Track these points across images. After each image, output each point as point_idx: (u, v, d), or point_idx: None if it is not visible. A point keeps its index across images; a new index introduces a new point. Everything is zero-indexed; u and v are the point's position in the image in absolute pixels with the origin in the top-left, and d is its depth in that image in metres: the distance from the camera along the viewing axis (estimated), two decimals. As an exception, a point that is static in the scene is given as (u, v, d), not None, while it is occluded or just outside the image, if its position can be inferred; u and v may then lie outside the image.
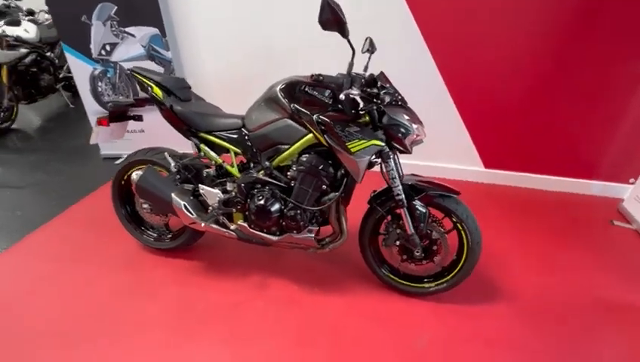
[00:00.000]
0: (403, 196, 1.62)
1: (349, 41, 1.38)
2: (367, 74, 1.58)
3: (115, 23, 2.81)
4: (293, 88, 1.59)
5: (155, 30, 2.82)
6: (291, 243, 1.79)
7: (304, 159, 1.61)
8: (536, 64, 2.48)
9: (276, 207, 1.70)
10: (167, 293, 1.92)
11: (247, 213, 1.78)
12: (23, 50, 4.00)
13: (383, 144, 1.53)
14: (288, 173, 1.68)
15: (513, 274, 2.01)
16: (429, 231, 1.71)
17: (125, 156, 2.05)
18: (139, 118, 2.10)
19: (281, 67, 2.70)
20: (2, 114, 4.01)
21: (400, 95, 1.56)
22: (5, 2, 4.74)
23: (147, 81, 1.80)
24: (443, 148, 2.90)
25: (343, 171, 1.65)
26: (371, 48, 1.68)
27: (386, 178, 1.64)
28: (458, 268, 1.74)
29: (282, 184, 1.70)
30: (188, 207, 1.80)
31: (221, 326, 1.73)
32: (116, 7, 2.77)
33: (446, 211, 1.68)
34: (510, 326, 1.72)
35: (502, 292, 1.90)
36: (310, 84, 1.52)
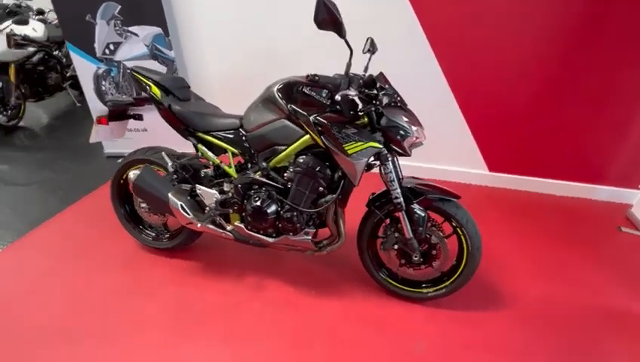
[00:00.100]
0: (401, 199, 1.59)
1: (346, 42, 1.36)
2: (367, 75, 1.55)
3: (118, 22, 2.83)
4: (290, 89, 1.57)
5: (158, 29, 2.82)
6: (288, 245, 1.77)
7: (301, 160, 1.59)
8: (542, 68, 2.43)
9: (272, 208, 1.68)
10: (165, 293, 1.91)
11: (243, 214, 1.76)
12: (31, 49, 4.04)
13: (381, 146, 1.50)
14: (285, 175, 1.67)
15: (515, 280, 1.97)
16: (427, 236, 1.67)
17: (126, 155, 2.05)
18: (139, 117, 2.10)
19: (284, 68, 2.66)
20: (10, 112, 4.06)
21: (399, 96, 1.53)
22: (16, 2, 4.80)
23: (146, 81, 1.80)
24: (447, 151, 2.87)
25: (340, 173, 1.63)
26: (372, 49, 1.65)
27: (384, 180, 1.61)
28: (457, 273, 1.70)
29: (279, 185, 1.68)
30: (185, 207, 1.79)
31: (218, 326, 1.72)
32: (120, 7, 2.78)
33: (445, 215, 1.64)
34: (510, 333, 1.68)
35: (503, 298, 1.86)
36: (306, 84, 1.50)
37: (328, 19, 1.23)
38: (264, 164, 1.69)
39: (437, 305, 1.81)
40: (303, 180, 1.60)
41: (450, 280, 1.73)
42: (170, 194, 1.79)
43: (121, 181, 2.05)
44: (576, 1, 2.22)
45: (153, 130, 3.13)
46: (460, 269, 1.69)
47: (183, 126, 1.80)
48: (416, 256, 1.68)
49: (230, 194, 1.79)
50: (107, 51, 2.94)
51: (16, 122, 4.16)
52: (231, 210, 1.80)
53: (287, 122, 1.60)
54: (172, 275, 2.03)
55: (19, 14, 4.43)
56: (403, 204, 1.60)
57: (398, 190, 1.58)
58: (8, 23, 3.88)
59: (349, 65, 1.43)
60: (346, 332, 1.69)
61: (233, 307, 1.82)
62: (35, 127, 4.37)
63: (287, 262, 2.11)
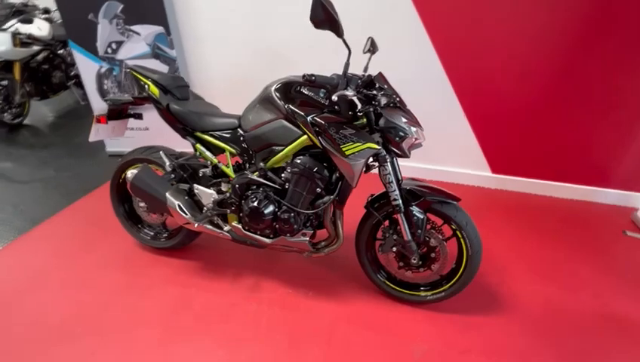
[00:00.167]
0: (400, 201, 1.57)
1: (344, 41, 1.34)
2: (365, 75, 1.53)
3: (120, 21, 2.83)
4: (288, 88, 1.56)
5: (160, 28, 2.82)
6: (285, 246, 1.75)
7: (298, 161, 1.58)
8: (547, 69, 2.39)
9: (270, 209, 1.67)
10: (162, 292, 1.90)
11: (241, 214, 1.75)
12: (36, 48, 4.07)
13: (379, 147, 1.47)
14: (283, 175, 1.65)
15: (517, 284, 1.94)
16: (426, 238, 1.65)
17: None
18: (138, 116, 2.09)
19: (286, 67, 2.66)
20: (15, 110, 4.09)
21: (398, 97, 1.51)
22: (23, 1, 4.84)
23: (144, 79, 1.79)
24: (449, 152, 2.84)
25: (337, 174, 1.61)
26: (372, 48, 1.64)
27: (383, 182, 1.59)
28: (457, 276, 1.68)
29: (277, 186, 1.67)
30: (182, 206, 1.78)
31: (214, 327, 1.71)
32: (122, 6, 2.78)
33: (445, 218, 1.62)
34: (510, 337, 1.65)
35: (504, 303, 1.83)
36: (303, 84, 1.48)
37: (325, 18, 1.20)
38: (261, 164, 1.68)
39: (436, 308, 1.78)
40: (301, 181, 1.58)
41: (450, 283, 1.70)
42: (167, 194, 1.78)
43: (120, 180, 2.04)
44: (581, 1, 2.18)
45: (154, 129, 3.13)
46: (460, 272, 1.67)
47: (181, 125, 1.79)
48: (414, 259, 1.66)
49: (228, 194, 1.78)
50: (109, 50, 2.95)
51: (20, 120, 4.20)
52: (228, 210, 1.78)
53: (285, 122, 1.58)
54: (170, 274, 2.02)
55: (25, 13, 4.47)
56: (402, 206, 1.57)
57: (397, 192, 1.56)
58: (13, 21, 3.91)
59: (347, 65, 1.41)
60: (343, 334, 1.67)
61: (230, 307, 1.81)
62: (40, 125, 4.40)
63: (285, 262, 2.09)
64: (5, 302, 1.86)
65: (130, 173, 1.86)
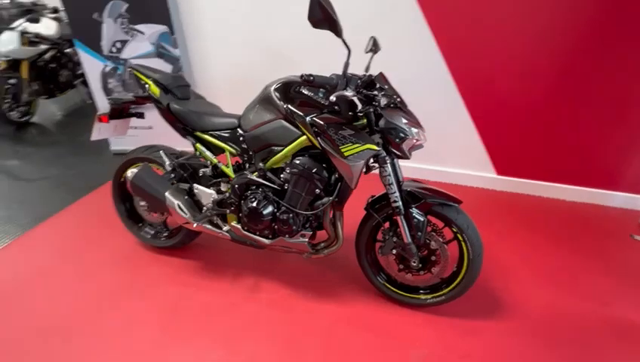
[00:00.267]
0: (400, 203, 1.55)
1: (343, 41, 1.32)
2: (366, 75, 1.51)
3: (125, 20, 2.84)
4: (288, 88, 1.55)
5: (164, 28, 2.83)
6: (284, 246, 1.74)
7: (297, 162, 1.56)
8: (554, 68, 2.35)
9: (269, 209, 1.66)
10: (161, 292, 1.91)
11: (240, 214, 1.74)
12: (43, 47, 4.11)
13: (378, 148, 1.46)
14: (282, 176, 1.64)
15: (519, 288, 1.90)
16: (427, 241, 1.63)
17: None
18: (140, 116, 2.09)
19: (290, 67, 2.64)
20: (22, 108, 4.14)
21: (399, 97, 1.48)
22: (33, 0, 4.89)
23: (145, 79, 1.80)
24: (454, 153, 2.80)
25: (337, 175, 1.59)
26: (374, 48, 1.62)
27: (383, 183, 1.57)
28: (458, 280, 1.65)
29: (276, 186, 1.66)
30: (181, 206, 1.78)
31: (212, 327, 1.71)
32: (127, 5, 2.79)
33: (446, 220, 1.59)
34: (511, 344, 1.62)
35: (506, 307, 1.79)
36: (302, 84, 1.46)
37: (323, 17, 1.19)
38: (261, 164, 1.67)
39: (437, 312, 1.76)
40: (299, 182, 1.57)
41: (450, 287, 1.67)
42: (167, 193, 1.78)
43: (121, 179, 2.05)
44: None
45: (158, 128, 3.11)
46: (461, 276, 1.64)
47: (182, 124, 1.79)
48: (414, 262, 1.63)
49: (227, 194, 1.77)
50: (114, 49, 2.97)
51: (28, 118, 4.25)
52: (228, 211, 1.78)
53: (284, 122, 1.57)
54: (170, 274, 2.02)
55: (34, 12, 4.52)
56: (402, 208, 1.55)
57: (397, 193, 1.54)
58: (21, 21, 3.95)
59: (346, 64, 1.39)
60: (342, 336, 1.66)
61: (229, 307, 1.81)
62: (47, 123, 4.45)
63: (284, 263, 2.08)
64: (7, 298, 1.88)
65: (130, 172, 1.86)
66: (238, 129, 1.72)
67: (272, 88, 1.57)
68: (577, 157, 2.56)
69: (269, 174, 1.67)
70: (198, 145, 1.80)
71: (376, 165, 1.56)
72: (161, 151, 1.88)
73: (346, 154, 1.44)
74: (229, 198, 1.75)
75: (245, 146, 1.71)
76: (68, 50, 4.50)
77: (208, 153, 1.79)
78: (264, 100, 1.61)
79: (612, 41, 2.19)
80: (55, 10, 4.85)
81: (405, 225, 1.58)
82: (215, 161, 1.80)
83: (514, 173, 2.75)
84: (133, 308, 1.81)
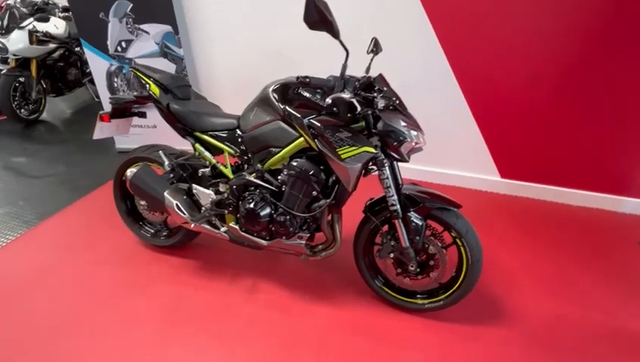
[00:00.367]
0: (398, 207, 1.53)
1: (340, 42, 1.30)
2: (365, 76, 1.49)
3: (130, 20, 2.87)
4: (286, 90, 1.54)
5: (168, 27, 2.85)
6: (281, 248, 1.74)
7: (295, 163, 1.55)
8: (561, 68, 2.29)
9: (266, 211, 1.65)
10: (159, 291, 1.92)
11: (238, 215, 1.74)
12: (52, 45, 4.18)
13: (376, 151, 1.44)
14: (279, 177, 1.63)
15: (522, 295, 1.86)
16: (425, 245, 1.60)
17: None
18: (142, 115, 2.11)
19: (293, 68, 2.64)
20: (31, 106, 4.21)
21: (398, 99, 1.46)
22: (44, -1, 4.98)
23: (146, 79, 1.81)
24: (457, 155, 2.77)
25: (334, 178, 1.58)
26: (376, 49, 1.60)
27: (382, 186, 1.55)
28: (456, 285, 1.63)
29: (274, 188, 1.65)
30: (180, 206, 1.79)
31: (208, 327, 1.71)
32: (132, 5, 2.81)
33: (445, 225, 1.57)
34: (510, 351, 1.59)
35: (506, 314, 1.76)
36: (298, 85, 1.45)
37: (318, 19, 1.18)
38: (259, 165, 1.66)
39: (435, 317, 1.73)
40: (297, 184, 1.56)
41: (448, 292, 1.65)
42: (165, 193, 1.79)
43: (123, 178, 2.07)
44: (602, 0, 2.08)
45: (162, 127, 3.13)
46: (459, 281, 1.61)
47: (181, 125, 1.80)
48: (412, 266, 1.61)
49: (226, 194, 1.77)
50: (119, 48, 2.99)
51: (36, 116, 4.31)
52: (226, 211, 1.78)
53: (282, 124, 1.56)
54: (170, 273, 2.03)
55: (46, 11, 4.59)
56: (400, 212, 1.53)
57: (395, 197, 1.52)
58: (30, 20, 4.01)
59: (344, 66, 1.38)
60: (336, 340, 1.65)
61: (225, 308, 1.81)
62: (55, 121, 4.52)
63: (283, 264, 2.08)
64: (9, 295, 1.91)
65: (130, 171, 1.88)
66: (237, 130, 1.71)
67: (271, 89, 1.56)
68: (586, 161, 2.50)
69: (267, 175, 1.66)
70: (197, 145, 1.80)
71: (375, 168, 1.54)
72: (160, 151, 1.88)
73: (343, 156, 1.43)
74: (228, 199, 1.75)
75: (244, 147, 1.70)
76: (77, 49, 4.57)
77: (207, 153, 1.80)
78: (262, 101, 1.61)
79: (621, 39, 2.13)
80: (66, 9, 4.92)
81: (403, 228, 1.56)
82: (214, 161, 1.80)
83: (518, 176, 2.70)
84: (134, 307, 1.82)
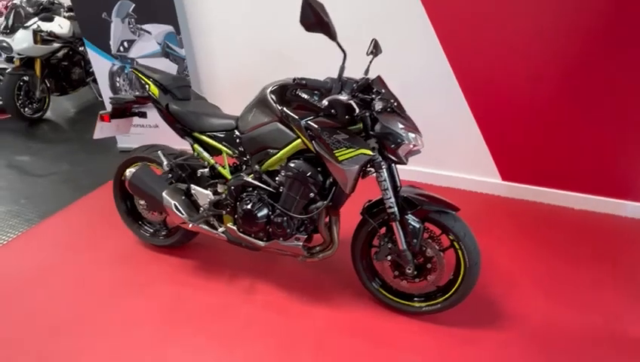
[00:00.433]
0: (395, 209, 1.52)
1: (338, 44, 1.30)
2: (363, 78, 1.48)
3: (132, 20, 2.88)
4: (284, 91, 1.53)
5: (170, 28, 2.86)
6: (279, 249, 1.73)
7: (292, 165, 1.55)
8: (563, 69, 2.27)
9: (263, 212, 1.65)
10: (157, 291, 1.92)
11: (235, 216, 1.74)
12: (56, 45, 4.21)
13: (373, 154, 1.43)
14: (277, 179, 1.63)
15: (521, 298, 1.85)
16: (423, 248, 1.60)
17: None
18: (143, 115, 2.12)
19: (295, 68, 2.63)
20: (35, 105, 4.24)
21: (396, 101, 1.45)
22: (50, -1, 5.02)
23: (145, 79, 1.81)
24: (457, 157, 2.75)
25: (332, 179, 1.57)
26: (375, 51, 1.60)
27: (380, 188, 1.54)
28: (454, 289, 1.62)
29: (271, 189, 1.65)
30: (178, 206, 1.79)
31: (206, 327, 1.72)
32: (134, 5, 2.83)
33: (442, 228, 1.56)
34: (509, 355, 1.57)
35: (506, 317, 1.75)
36: (294, 87, 1.45)
37: (315, 21, 1.17)
38: (257, 166, 1.66)
39: (434, 320, 1.72)
40: (294, 185, 1.56)
41: (446, 295, 1.64)
42: (164, 193, 1.80)
43: (122, 178, 2.07)
44: (603, 1, 2.06)
45: (164, 126, 3.15)
46: (457, 285, 1.60)
47: (180, 125, 1.80)
48: (409, 269, 1.60)
49: (224, 195, 1.77)
50: (121, 48, 3.01)
51: (40, 115, 4.35)
52: (224, 212, 1.78)
53: (280, 125, 1.56)
54: (169, 272, 2.04)
55: (51, 11, 4.63)
56: (397, 214, 1.53)
57: (392, 199, 1.51)
58: (35, 19, 4.05)
59: (342, 68, 1.37)
60: (334, 341, 1.64)
61: (223, 309, 1.81)
62: (59, 119, 4.56)
63: (281, 265, 2.07)
64: (8, 293, 1.92)
65: (129, 171, 1.88)
66: (236, 130, 1.72)
67: (268, 91, 1.56)
68: (589, 164, 2.47)
69: (264, 177, 1.66)
70: (196, 145, 1.81)
71: (373, 170, 1.53)
72: (159, 151, 1.89)
73: (340, 158, 1.43)
74: (225, 200, 1.75)
75: (242, 148, 1.70)
76: (81, 49, 4.60)
77: (205, 154, 1.80)
78: (260, 102, 1.61)
79: (622, 40, 2.11)
80: (71, 9, 4.96)
81: (401, 231, 1.55)
82: (212, 161, 1.80)
83: (520, 179, 2.68)
84: (133, 307, 1.83)
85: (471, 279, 1.56)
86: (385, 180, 1.50)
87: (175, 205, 1.78)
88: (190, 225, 1.79)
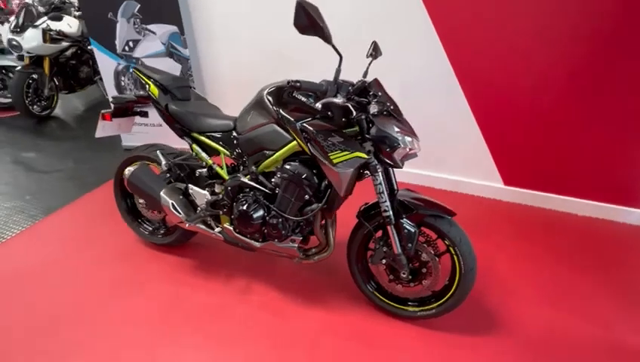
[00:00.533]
0: (391, 213, 1.51)
1: (333, 47, 1.30)
2: (360, 80, 1.48)
3: (138, 20, 2.91)
4: (281, 93, 1.54)
5: (174, 28, 2.88)
6: (274, 250, 1.74)
7: (288, 167, 1.55)
8: (566, 73, 2.24)
9: (259, 213, 1.66)
10: (155, 290, 1.94)
11: (232, 216, 1.75)
12: (65, 44, 4.27)
13: (368, 157, 1.43)
14: (273, 180, 1.63)
15: (519, 304, 1.83)
16: (418, 253, 1.58)
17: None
18: (144, 114, 2.14)
19: (298, 69, 2.66)
20: (43, 102, 4.31)
21: (393, 104, 1.45)
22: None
23: (146, 79, 1.83)
24: (459, 161, 2.73)
25: (327, 182, 1.57)
26: (375, 53, 1.59)
27: (375, 192, 1.54)
28: (449, 294, 1.60)
29: (267, 190, 1.65)
30: (175, 205, 1.80)
31: (202, 327, 1.72)
32: (139, 5, 2.86)
33: (438, 232, 1.55)
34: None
35: (502, 324, 1.73)
36: (290, 89, 1.45)
37: (308, 23, 1.17)
38: (253, 167, 1.67)
39: (429, 325, 1.71)
40: (289, 187, 1.56)
41: (441, 301, 1.63)
42: (162, 193, 1.81)
43: (123, 176, 2.10)
44: (606, 2, 2.03)
45: (167, 126, 3.20)
46: (452, 290, 1.59)
47: (179, 125, 1.81)
48: (404, 273, 1.59)
49: (221, 195, 1.78)
50: (127, 48, 3.04)
51: (48, 112, 4.42)
52: (221, 212, 1.79)
53: (276, 127, 1.56)
54: (167, 271, 2.06)
55: (62, 10, 4.70)
56: (392, 218, 1.52)
57: (387, 203, 1.50)
58: (44, 18, 4.11)
59: (337, 70, 1.37)
60: (328, 344, 1.64)
61: (219, 309, 1.82)
62: (67, 117, 4.62)
63: (278, 266, 2.08)
64: (9, 289, 1.95)
65: (128, 170, 1.90)
66: (234, 131, 1.72)
67: (265, 92, 1.57)
68: (591, 170, 2.44)
69: (261, 178, 1.67)
70: (195, 146, 1.82)
71: (368, 173, 1.53)
72: (158, 151, 1.91)
73: (334, 161, 1.42)
74: (222, 200, 1.76)
75: (239, 149, 1.71)
76: (89, 48, 4.66)
77: (204, 154, 1.81)
78: (258, 104, 1.61)
79: (624, 40, 2.07)
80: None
81: (396, 235, 1.54)
82: (210, 162, 1.81)
83: (522, 184, 2.65)
84: (133, 305, 1.84)
85: (466, 285, 1.55)
86: (380, 184, 1.49)
87: (172, 204, 1.80)
88: (187, 225, 1.80)
